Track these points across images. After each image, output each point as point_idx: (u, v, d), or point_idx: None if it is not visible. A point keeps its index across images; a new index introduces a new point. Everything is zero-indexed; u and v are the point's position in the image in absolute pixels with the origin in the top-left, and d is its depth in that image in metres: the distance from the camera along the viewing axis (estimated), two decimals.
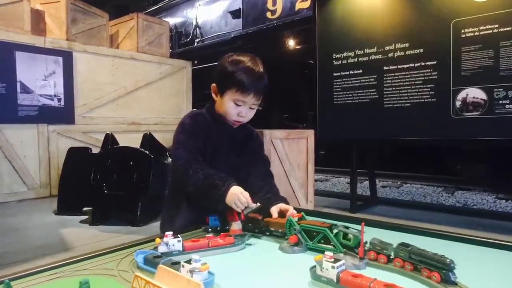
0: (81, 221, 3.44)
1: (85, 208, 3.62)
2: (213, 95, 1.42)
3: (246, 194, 1.19)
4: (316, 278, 0.82)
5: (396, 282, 0.71)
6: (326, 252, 0.83)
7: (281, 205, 1.29)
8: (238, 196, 1.17)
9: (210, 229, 1.22)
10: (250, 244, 1.10)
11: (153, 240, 1.04)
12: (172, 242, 0.98)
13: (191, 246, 1.00)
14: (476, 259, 0.95)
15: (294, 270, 0.90)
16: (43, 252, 2.58)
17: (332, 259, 0.81)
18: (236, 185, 1.21)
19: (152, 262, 0.87)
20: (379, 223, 1.27)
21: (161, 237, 0.99)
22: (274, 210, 1.26)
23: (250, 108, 1.37)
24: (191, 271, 0.77)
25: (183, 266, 0.79)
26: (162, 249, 0.97)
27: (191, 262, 0.78)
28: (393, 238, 0.94)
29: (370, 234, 0.96)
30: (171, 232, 1.00)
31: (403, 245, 0.88)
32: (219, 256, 1.00)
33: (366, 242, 0.93)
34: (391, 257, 0.89)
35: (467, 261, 0.90)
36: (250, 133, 1.51)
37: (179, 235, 1.01)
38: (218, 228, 1.22)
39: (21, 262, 2.36)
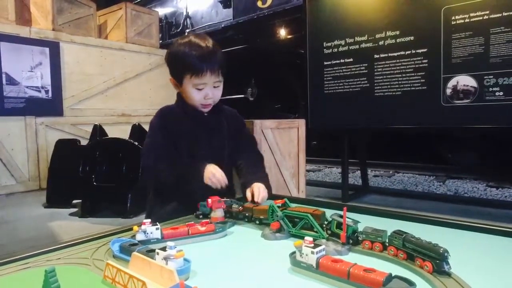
0: (71, 214, 3.40)
1: (75, 201, 3.58)
2: (175, 87, 1.37)
3: (221, 172, 1.23)
4: (295, 264, 0.80)
5: (384, 270, 0.68)
6: (306, 238, 0.81)
7: (254, 185, 1.25)
8: (213, 172, 1.20)
9: (201, 216, 1.18)
10: (232, 232, 1.07)
11: (131, 229, 1.01)
12: (150, 229, 0.95)
13: (170, 234, 0.97)
14: (468, 244, 0.93)
15: (274, 256, 0.88)
16: (31, 245, 2.55)
17: (312, 245, 0.79)
18: (212, 164, 1.24)
19: (127, 250, 0.85)
20: (369, 209, 1.24)
21: (139, 225, 0.96)
22: (248, 193, 1.25)
23: (214, 87, 1.32)
24: (166, 258, 0.75)
25: (157, 253, 0.76)
26: (139, 237, 0.94)
27: (166, 249, 0.76)
28: (384, 225, 0.91)
29: (361, 222, 0.93)
30: (149, 220, 0.97)
31: (397, 232, 0.83)
32: (199, 244, 0.97)
33: (360, 232, 0.90)
34: (386, 244, 0.85)
35: (460, 247, 0.88)
36: (226, 115, 1.45)
37: (157, 223, 0.98)
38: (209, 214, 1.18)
39: (8, 256, 2.33)
